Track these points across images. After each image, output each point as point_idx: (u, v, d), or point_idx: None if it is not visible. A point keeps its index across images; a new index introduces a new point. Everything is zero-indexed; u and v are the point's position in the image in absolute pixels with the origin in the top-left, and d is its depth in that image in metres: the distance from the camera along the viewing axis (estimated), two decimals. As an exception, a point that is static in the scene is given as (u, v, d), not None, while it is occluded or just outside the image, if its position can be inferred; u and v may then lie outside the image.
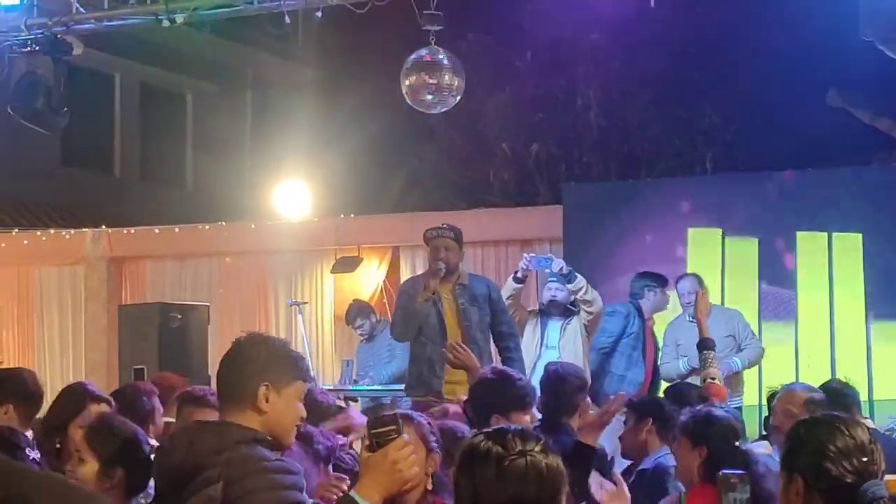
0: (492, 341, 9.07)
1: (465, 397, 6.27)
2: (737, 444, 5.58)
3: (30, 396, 6.03)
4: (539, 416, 6.29)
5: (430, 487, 4.61)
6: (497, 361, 8.91)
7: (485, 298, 8.82)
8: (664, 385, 10.14)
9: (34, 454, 5.18)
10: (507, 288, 9.86)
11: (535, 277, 11.48)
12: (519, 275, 9.88)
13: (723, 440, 5.51)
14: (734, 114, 19.87)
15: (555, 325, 10.01)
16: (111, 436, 4.65)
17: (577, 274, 9.89)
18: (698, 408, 6.52)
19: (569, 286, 9.88)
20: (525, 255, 10.14)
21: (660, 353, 10.60)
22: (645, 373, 10.46)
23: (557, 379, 6.83)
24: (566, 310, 10.00)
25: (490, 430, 2.79)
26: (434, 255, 8.85)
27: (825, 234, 11.47)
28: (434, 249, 8.88)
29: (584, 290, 9.84)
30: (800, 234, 11.54)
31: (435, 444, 4.70)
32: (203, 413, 5.76)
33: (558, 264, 9.90)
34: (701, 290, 9.80)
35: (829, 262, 11.46)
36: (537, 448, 2.71)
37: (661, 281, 10.62)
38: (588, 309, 9.89)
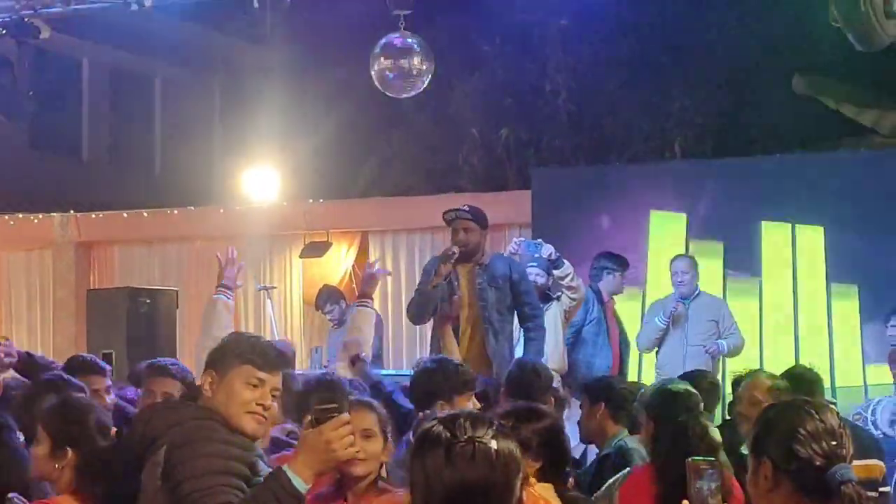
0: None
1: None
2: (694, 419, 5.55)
3: None
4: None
5: (384, 475, 4.64)
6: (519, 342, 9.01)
7: (505, 279, 8.78)
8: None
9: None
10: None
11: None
12: (555, 293, 9.91)
13: (674, 416, 5.48)
14: (703, 99, 19.87)
15: None
16: (63, 418, 4.64)
17: (564, 260, 9.85)
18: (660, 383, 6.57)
19: (556, 272, 9.85)
20: (515, 239, 10.10)
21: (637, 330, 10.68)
22: (612, 356, 10.46)
23: (534, 375, 6.93)
24: (545, 295, 9.94)
25: (445, 414, 2.77)
26: (453, 237, 8.82)
27: (788, 225, 11.52)
28: (453, 231, 8.84)
29: (570, 276, 9.84)
30: (765, 224, 11.57)
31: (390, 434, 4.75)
32: (165, 383, 6.03)
33: (547, 250, 9.83)
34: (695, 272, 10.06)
35: (793, 253, 11.50)
36: (489, 434, 2.69)
37: (620, 263, 10.60)
38: (572, 295, 9.88)
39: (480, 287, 8.72)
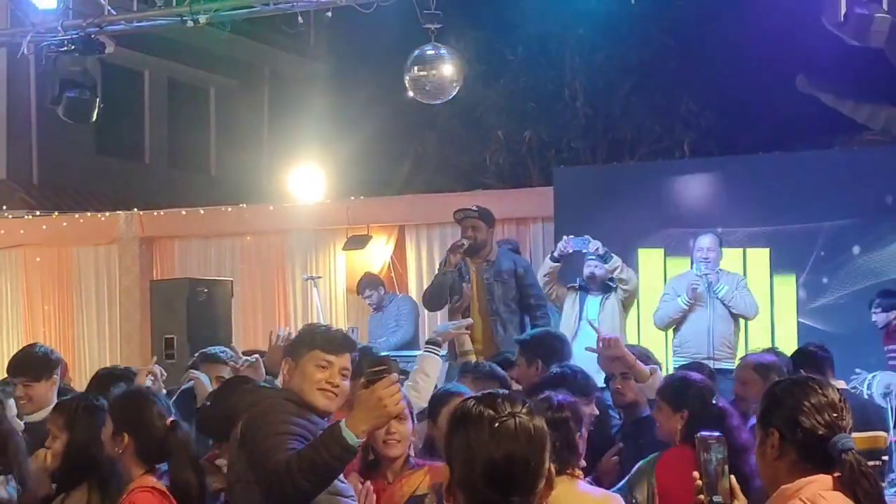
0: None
1: None
2: (713, 402, 5.56)
3: None
4: None
5: (412, 454, 4.70)
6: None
7: (511, 274, 8.82)
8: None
9: None
10: (545, 266, 9.79)
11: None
12: (555, 254, 9.73)
13: (700, 402, 5.49)
14: (710, 101, 19.81)
15: (594, 299, 9.78)
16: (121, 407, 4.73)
17: (612, 254, 9.66)
18: (673, 373, 6.55)
19: (605, 266, 9.64)
20: (564, 236, 9.87)
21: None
22: None
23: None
24: (605, 286, 9.78)
25: (479, 395, 2.76)
26: (463, 234, 8.90)
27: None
28: (463, 229, 8.94)
29: (619, 269, 9.64)
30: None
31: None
32: (217, 368, 6.14)
33: (595, 245, 9.62)
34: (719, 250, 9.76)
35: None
36: (524, 410, 2.68)
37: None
38: (624, 287, 9.67)
39: (488, 282, 8.75)
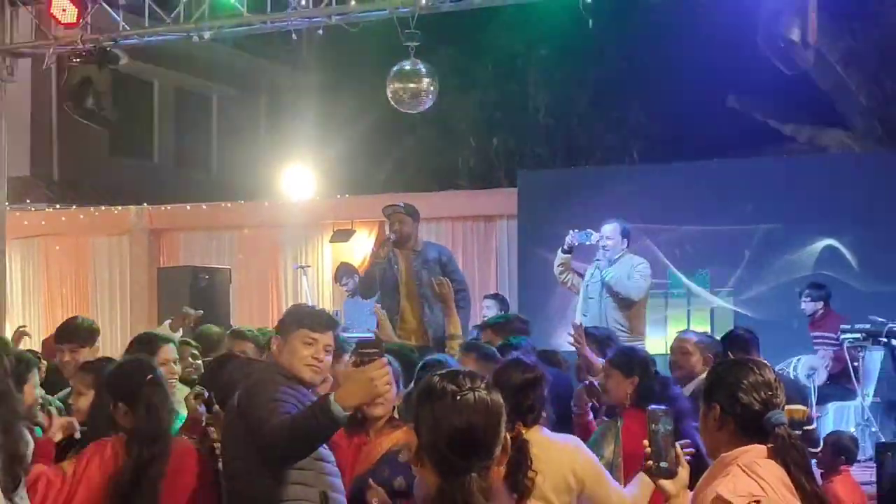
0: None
1: None
2: (655, 369, 5.58)
3: None
4: None
5: (395, 416, 4.68)
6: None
7: (436, 262, 8.74)
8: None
9: None
10: (558, 258, 9.56)
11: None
12: (566, 247, 9.49)
13: (646, 369, 5.49)
14: (656, 114, 19.86)
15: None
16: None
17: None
18: (622, 345, 6.56)
19: (634, 257, 9.32)
20: (571, 230, 9.61)
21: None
22: None
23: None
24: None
25: (444, 372, 2.77)
26: (390, 228, 8.85)
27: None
28: (391, 223, 8.87)
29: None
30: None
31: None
32: (242, 344, 6.16)
33: (596, 237, 9.32)
34: (619, 237, 9.19)
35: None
36: (483, 386, 2.70)
37: None
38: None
39: (416, 269, 8.69)
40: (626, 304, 9.03)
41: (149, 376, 4.33)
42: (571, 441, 4.56)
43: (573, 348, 6.66)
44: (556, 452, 4.28)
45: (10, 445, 4.15)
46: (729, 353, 6.06)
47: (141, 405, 4.24)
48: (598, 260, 9.19)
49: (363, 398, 3.89)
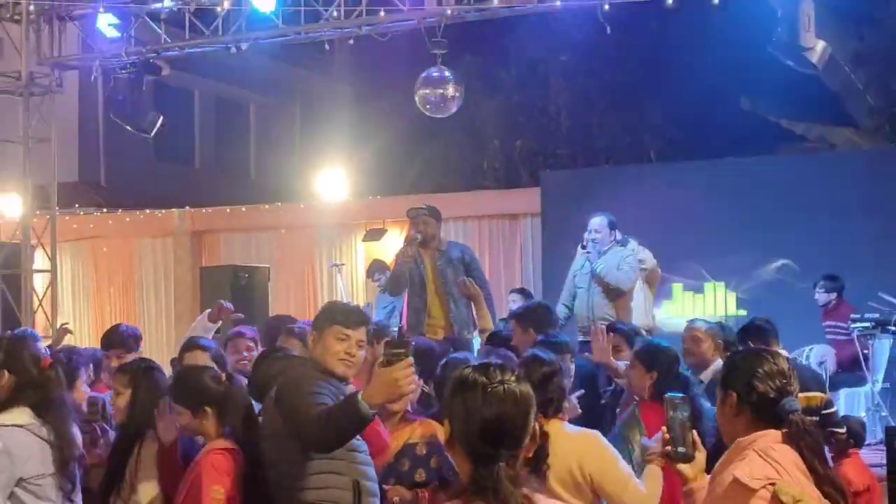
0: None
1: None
2: (679, 369, 5.55)
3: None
4: None
5: (409, 409, 4.73)
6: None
7: (459, 261, 8.71)
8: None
9: None
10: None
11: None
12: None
13: (668, 366, 5.47)
14: (672, 116, 19.81)
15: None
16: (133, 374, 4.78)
17: (630, 238, 9.05)
18: (649, 339, 6.50)
19: (623, 249, 8.97)
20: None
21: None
22: None
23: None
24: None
25: (475, 364, 2.76)
26: (415, 229, 8.81)
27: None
28: (416, 224, 8.83)
29: (636, 250, 9.06)
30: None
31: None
32: (290, 341, 6.07)
33: (613, 235, 9.01)
34: (607, 230, 8.88)
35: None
36: (513, 378, 2.69)
37: None
38: (643, 266, 9.19)
39: (441, 267, 8.67)
40: (615, 295, 8.79)
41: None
42: (587, 435, 4.50)
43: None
44: (565, 445, 4.22)
45: (64, 450, 4.24)
46: (749, 342, 6.02)
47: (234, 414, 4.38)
48: (588, 252, 8.95)
49: (388, 397, 3.86)
